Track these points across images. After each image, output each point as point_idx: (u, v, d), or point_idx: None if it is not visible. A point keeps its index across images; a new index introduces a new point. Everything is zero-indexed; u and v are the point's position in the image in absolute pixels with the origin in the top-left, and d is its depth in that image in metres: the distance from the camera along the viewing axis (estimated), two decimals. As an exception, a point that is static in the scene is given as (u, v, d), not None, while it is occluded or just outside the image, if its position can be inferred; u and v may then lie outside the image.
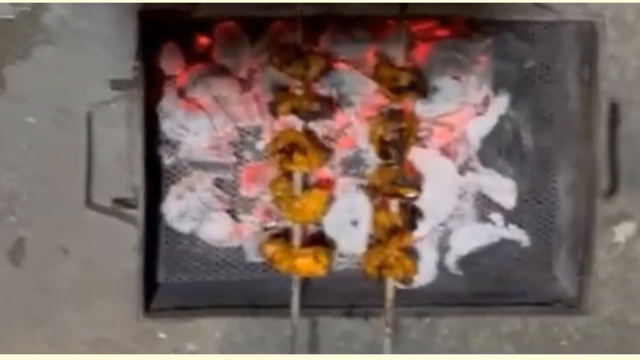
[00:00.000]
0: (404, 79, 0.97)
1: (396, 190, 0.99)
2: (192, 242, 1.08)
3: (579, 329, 1.19)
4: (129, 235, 1.06)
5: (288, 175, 1.02)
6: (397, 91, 0.97)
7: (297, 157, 0.97)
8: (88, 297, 1.15)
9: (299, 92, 0.98)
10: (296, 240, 1.01)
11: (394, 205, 1.01)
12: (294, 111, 0.97)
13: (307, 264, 0.99)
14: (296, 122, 1.02)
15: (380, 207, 1.02)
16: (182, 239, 1.08)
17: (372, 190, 1.01)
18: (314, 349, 1.10)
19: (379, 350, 1.04)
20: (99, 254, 1.13)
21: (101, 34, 1.08)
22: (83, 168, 1.05)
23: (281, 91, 1.00)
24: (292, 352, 1.02)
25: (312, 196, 0.99)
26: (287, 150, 0.98)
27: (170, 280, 1.08)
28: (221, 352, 1.16)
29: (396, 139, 0.98)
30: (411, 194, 0.98)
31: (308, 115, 0.98)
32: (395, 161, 0.99)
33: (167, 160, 1.05)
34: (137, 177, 1.01)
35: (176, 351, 1.15)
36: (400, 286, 1.04)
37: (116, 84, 1.01)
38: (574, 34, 1.02)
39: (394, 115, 0.98)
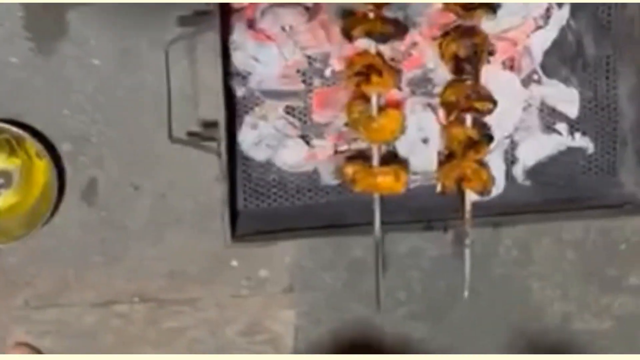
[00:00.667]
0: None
1: (473, 104, 1.01)
2: (268, 169, 1.10)
3: (636, 232, 1.21)
4: (203, 167, 1.10)
5: (363, 97, 1.03)
6: (468, 7, 0.98)
7: (374, 78, 0.99)
8: (162, 231, 1.16)
9: (371, 15, 0.99)
10: (375, 160, 1.03)
11: (468, 119, 1.03)
12: (368, 34, 0.99)
13: (387, 181, 1.03)
14: (366, 45, 1.03)
15: (454, 122, 1.04)
16: (258, 167, 1.10)
17: (448, 106, 1.03)
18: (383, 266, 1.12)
19: (447, 264, 1.09)
20: (170, 188, 1.15)
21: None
22: (151, 106, 1.07)
23: (352, 15, 1.01)
24: (376, 268, 1.05)
25: (390, 116, 1.02)
26: (363, 72, 0.99)
27: (249, 208, 1.09)
28: (292, 276, 1.17)
29: (470, 54, 0.99)
30: (489, 106, 1.01)
31: (381, 37, 1.00)
32: (470, 76, 1.01)
33: (239, 92, 1.06)
34: (213, 110, 1.03)
35: (249, 279, 1.17)
36: (476, 198, 1.06)
37: (187, 20, 1.02)
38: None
39: (467, 32, 1.00)
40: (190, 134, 1.08)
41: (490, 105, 1.02)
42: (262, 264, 1.19)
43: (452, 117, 1.04)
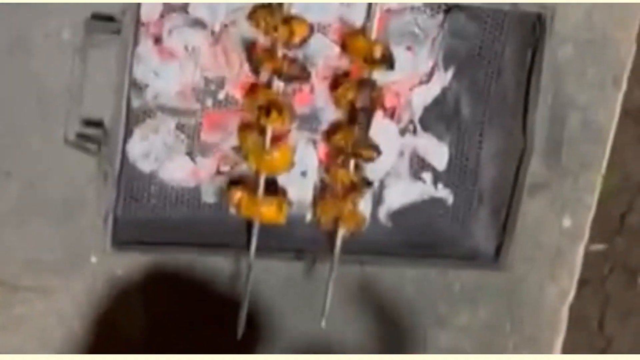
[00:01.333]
0: (378, 52, 1.05)
1: (360, 152, 1.07)
2: (151, 180, 1.13)
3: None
4: (80, 166, 1.11)
5: (256, 127, 1.08)
6: (371, 62, 1.05)
7: (274, 114, 1.04)
8: (26, 220, 1.17)
9: (279, 53, 1.04)
10: (260, 189, 1.08)
11: (351, 163, 1.10)
12: (275, 73, 1.04)
13: (270, 212, 1.08)
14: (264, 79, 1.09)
15: (338, 164, 1.11)
16: (141, 177, 1.12)
17: (337, 149, 1.09)
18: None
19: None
20: (42, 179, 1.15)
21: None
22: (38, 99, 1.08)
23: (255, 47, 1.07)
24: (245, 293, 1.10)
25: (282, 151, 1.07)
26: (265, 106, 1.04)
27: (127, 215, 1.12)
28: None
29: (367, 106, 1.06)
30: (373, 155, 1.08)
31: (288, 78, 1.05)
32: (362, 126, 1.07)
33: (135, 102, 1.09)
34: (102, 112, 1.06)
35: (105, 274, 1.19)
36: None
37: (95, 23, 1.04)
38: (522, 18, 1.13)
39: (365, 83, 1.06)
40: (80, 135, 1.08)
41: (375, 155, 1.08)
42: (120, 266, 1.21)
43: (339, 161, 1.10)
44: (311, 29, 1.06)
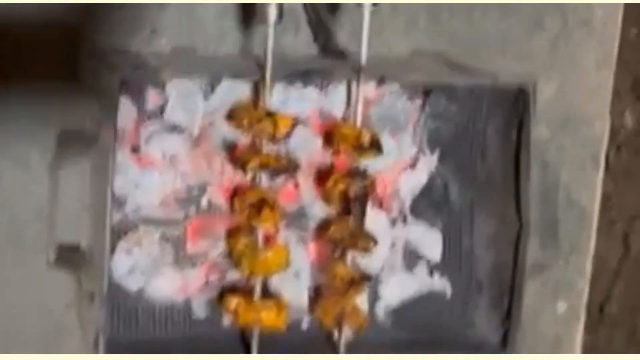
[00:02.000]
0: (366, 137, 1.01)
1: (357, 242, 1.03)
2: (139, 299, 1.07)
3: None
4: (55, 292, 1.06)
5: (244, 229, 1.04)
6: (360, 149, 1.01)
7: (265, 212, 0.99)
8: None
9: (265, 149, 1.00)
10: (257, 293, 1.03)
11: (349, 257, 1.05)
12: (262, 167, 1.00)
13: (270, 316, 1.03)
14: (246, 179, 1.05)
15: (336, 260, 1.06)
16: (128, 297, 1.06)
17: (333, 243, 1.04)
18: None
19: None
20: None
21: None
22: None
23: (250, 149, 1.04)
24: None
25: (276, 250, 1.02)
26: (255, 205, 0.99)
27: (117, 339, 1.06)
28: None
29: (360, 195, 1.02)
30: (370, 245, 1.03)
31: (275, 172, 1.01)
32: (357, 216, 1.03)
33: (115, 216, 1.03)
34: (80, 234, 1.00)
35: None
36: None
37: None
38: (503, 94, 1.10)
39: (358, 173, 1.02)
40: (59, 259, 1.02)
41: (372, 245, 1.04)
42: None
43: (337, 254, 1.05)
44: (293, 122, 1.01)
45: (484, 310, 1.16)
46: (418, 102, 1.13)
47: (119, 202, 1.05)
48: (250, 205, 1.00)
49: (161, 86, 1.04)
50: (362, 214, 1.05)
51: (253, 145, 1.03)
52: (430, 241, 1.16)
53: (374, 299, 1.16)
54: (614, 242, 1.53)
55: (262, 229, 1.03)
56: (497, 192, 1.14)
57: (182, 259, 1.08)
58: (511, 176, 1.12)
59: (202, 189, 1.08)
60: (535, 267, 1.13)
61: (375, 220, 1.11)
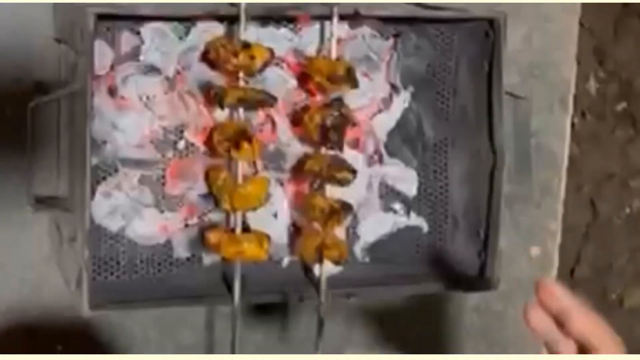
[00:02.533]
0: (342, 69, 1.02)
1: (334, 174, 1.04)
2: (118, 241, 1.07)
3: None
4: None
5: (221, 166, 1.05)
6: (334, 80, 1.02)
7: (244, 145, 1.00)
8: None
9: (242, 83, 1.01)
10: (238, 227, 1.03)
11: (327, 189, 1.06)
12: (241, 101, 1.00)
13: (252, 248, 1.03)
14: (222, 117, 1.06)
15: (313, 193, 1.07)
16: (108, 239, 1.07)
17: (310, 175, 1.05)
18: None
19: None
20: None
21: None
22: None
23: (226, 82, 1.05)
24: (233, 342, 1.04)
25: (256, 182, 1.03)
26: (233, 138, 1.00)
27: (97, 280, 1.06)
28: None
29: (337, 124, 1.03)
30: (349, 176, 1.04)
31: (254, 105, 1.02)
32: (336, 145, 1.04)
33: (94, 160, 1.04)
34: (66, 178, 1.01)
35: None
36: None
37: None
38: (473, 30, 1.12)
39: (334, 102, 1.03)
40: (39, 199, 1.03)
41: (350, 176, 1.05)
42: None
43: (315, 186, 1.06)
44: (271, 53, 1.02)
45: (461, 243, 1.18)
46: (390, 41, 1.14)
47: (97, 145, 1.05)
48: (228, 139, 1.00)
49: (136, 29, 1.04)
50: (340, 145, 1.05)
51: (229, 83, 1.04)
52: (406, 178, 1.17)
53: (352, 239, 1.16)
54: (582, 207, 1.54)
55: (242, 163, 1.03)
56: (471, 128, 1.15)
57: (161, 201, 1.09)
58: (484, 112, 1.13)
59: (179, 131, 1.08)
60: (509, 201, 1.14)
61: (351, 160, 1.11)
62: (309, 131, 1.05)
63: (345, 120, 1.05)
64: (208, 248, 1.05)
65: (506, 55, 1.10)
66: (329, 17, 1.05)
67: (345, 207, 1.07)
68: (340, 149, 1.06)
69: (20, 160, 1.01)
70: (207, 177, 1.07)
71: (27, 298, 1.15)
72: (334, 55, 1.05)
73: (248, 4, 1.01)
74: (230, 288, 1.06)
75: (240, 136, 1.01)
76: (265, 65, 1.02)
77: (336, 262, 1.08)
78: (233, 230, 1.05)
